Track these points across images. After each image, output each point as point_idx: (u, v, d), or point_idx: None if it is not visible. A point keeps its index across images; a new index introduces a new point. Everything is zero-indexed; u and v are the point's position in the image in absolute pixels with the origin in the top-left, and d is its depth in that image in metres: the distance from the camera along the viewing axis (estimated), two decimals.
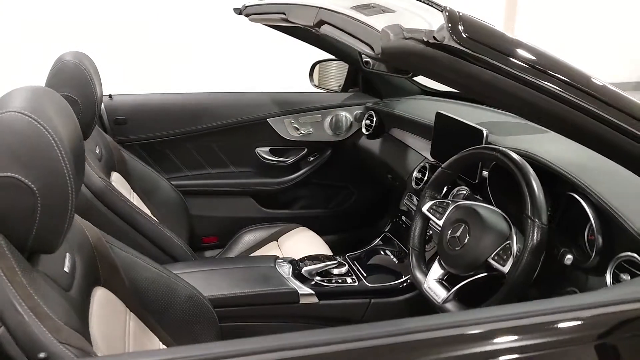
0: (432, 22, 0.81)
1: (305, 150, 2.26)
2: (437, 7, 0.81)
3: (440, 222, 1.30)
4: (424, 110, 1.94)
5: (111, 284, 1.10)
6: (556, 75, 0.76)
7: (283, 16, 1.44)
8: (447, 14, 0.77)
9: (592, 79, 0.80)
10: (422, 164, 1.76)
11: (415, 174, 1.76)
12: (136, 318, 1.15)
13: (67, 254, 0.99)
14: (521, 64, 0.76)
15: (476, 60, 0.76)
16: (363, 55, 1.61)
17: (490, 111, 1.80)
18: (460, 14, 0.77)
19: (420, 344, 0.70)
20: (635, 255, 1.00)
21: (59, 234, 0.83)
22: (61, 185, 0.80)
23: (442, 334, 0.71)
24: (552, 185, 1.21)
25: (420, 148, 1.86)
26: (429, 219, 1.36)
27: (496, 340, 0.72)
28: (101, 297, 1.05)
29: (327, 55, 2.27)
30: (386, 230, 1.87)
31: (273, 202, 2.28)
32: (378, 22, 0.86)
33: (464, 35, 0.75)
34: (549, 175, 1.21)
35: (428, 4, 0.85)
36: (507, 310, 0.76)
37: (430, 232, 1.54)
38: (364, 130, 2.18)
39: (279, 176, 2.26)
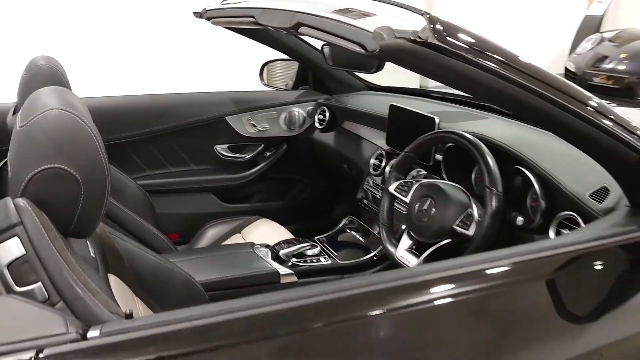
0: (413, 23, 0.97)
1: (262, 146, 2.38)
2: (417, 11, 0.98)
3: (407, 199, 1.48)
4: (373, 103, 2.13)
5: (118, 271, 1.18)
6: (522, 69, 0.95)
7: (252, 19, 1.55)
8: (427, 16, 0.93)
9: (545, 70, 0.99)
10: (378, 152, 1.93)
11: (372, 161, 1.93)
12: (142, 302, 1.24)
13: (87, 241, 1.07)
14: (489, 56, 0.94)
15: (454, 55, 0.92)
16: (325, 54, 1.77)
17: (432, 102, 2.01)
18: (437, 16, 0.94)
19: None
20: (573, 213, 1.22)
21: (96, 220, 0.92)
22: (100, 174, 0.89)
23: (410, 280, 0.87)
24: (498, 160, 1.42)
25: (374, 138, 2.04)
26: (396, 197, 1.53)
27: (459, 283, 0.89)
28: (114, 283, 1.13)
29: (277, 56, 2.41)
30: (349, 213, 2.04)
31: (233, 197, 2.38)
32: (366, 24, 1.01)
33: (444, 34, 0.91)
34: (495, 152, 1.42)
35: (407, 9, 1.01)
36: (470, 259, 0.94)
37: None
38: (317, 124, 2.33)
39: (237, 172, 2.36)
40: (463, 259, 0.97)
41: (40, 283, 0.79)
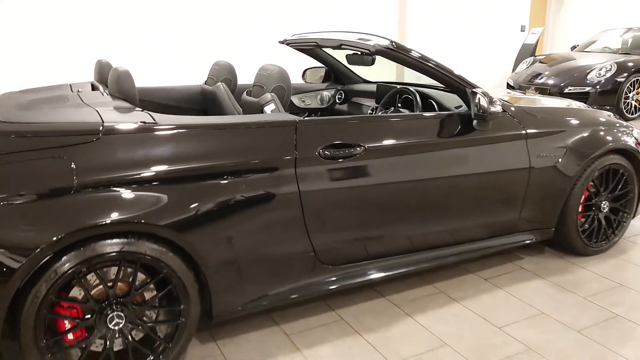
0: (385, 42, 2.93)
1: (307, 113, 4.34)
2: (386, 38, 2.93)
3: None
4: (366, 87, 4.12)
5: None
6: (431, 62, 2.90)
7: (315, 43, 3.53)
8: (390, 39, 2.89)
9: (440, 63, 2.95)
10: (371, 108, 3.90)
11: (369, 112, 3.90)
12: None
13: None
14: (423, 57, 2.88)
15: (403, 55, 2.87)
16: (348, 59, 3.76)
17: (393, 84, 3.99)
18: (393, 39, 2.90)
19: None
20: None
21: (286, 107, 2.87)
22: (290, 88, 2.84)
23: None
24: (422, 99, 3.37)
25: (368, 102, 4.02)
26: None
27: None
28: None
29: (312, 64, 4.39)
30: None
31: None
32: (368, 43, 2.96)
33: (396, 47, 2.86)
34: (421, 96, 3.37)
35: (382, 37, 2.97)
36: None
37: None
38: (337, 100, 4.31)
39: None
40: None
41: None
